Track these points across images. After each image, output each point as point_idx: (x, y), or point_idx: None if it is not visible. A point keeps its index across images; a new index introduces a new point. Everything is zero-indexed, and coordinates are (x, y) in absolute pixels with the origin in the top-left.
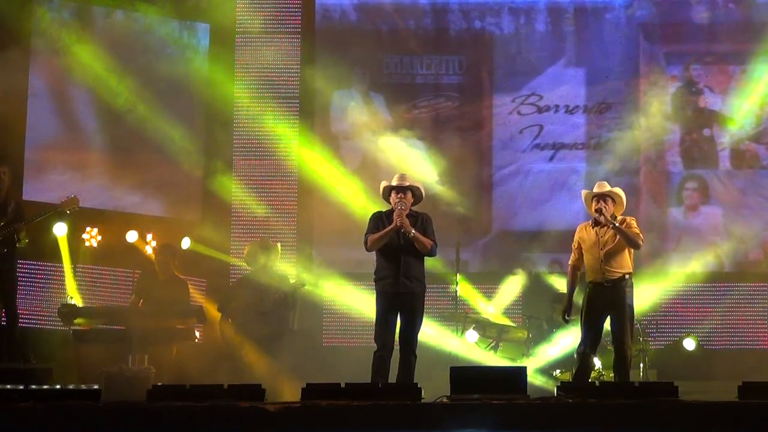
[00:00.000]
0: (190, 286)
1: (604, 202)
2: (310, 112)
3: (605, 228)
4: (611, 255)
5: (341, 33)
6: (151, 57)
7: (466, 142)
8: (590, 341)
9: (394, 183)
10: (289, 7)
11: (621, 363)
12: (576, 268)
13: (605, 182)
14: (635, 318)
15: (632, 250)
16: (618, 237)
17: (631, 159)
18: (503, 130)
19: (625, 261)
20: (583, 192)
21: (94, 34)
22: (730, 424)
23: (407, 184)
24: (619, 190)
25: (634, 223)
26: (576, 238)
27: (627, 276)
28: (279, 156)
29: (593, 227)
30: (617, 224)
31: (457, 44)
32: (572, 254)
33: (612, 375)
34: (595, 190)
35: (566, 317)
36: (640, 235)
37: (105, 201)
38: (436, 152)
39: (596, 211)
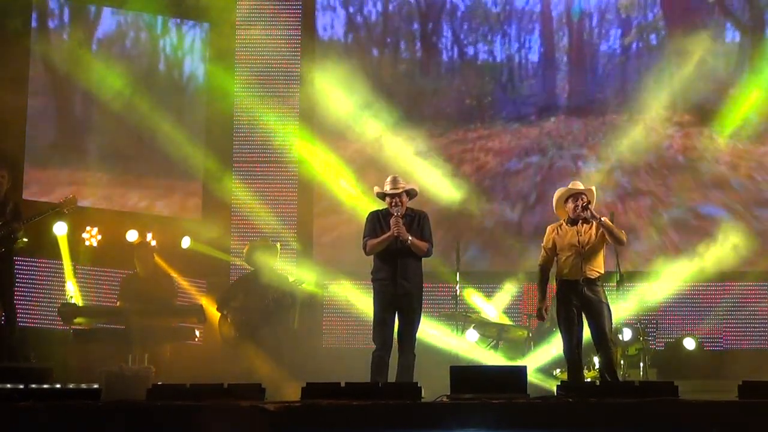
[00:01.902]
0: (189, 284)
1: (581, 200)
2: (310, 112)
3: (585, 227)
4: (592, 254)
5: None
6: (151, 56)
7: (466, 141)
8: (575, 339)
9: (387, 189)
10: (289, 7)
11: (608, 363)
12: (546, 268)
13: (578, 181)
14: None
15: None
16: (597, 236)
17: (632, 159)
18: (504, 126)
19: (602, 261)
20: (559, 190)
21: (93, 33)
22: (730, 424)
23: (400, 189)
24: (593, 188)
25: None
26: (550, 238)
27: (601, 275)
28: (279, 156)
29: (570, 226)
30: (602, 220)
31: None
32: (543, 254)
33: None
34: (570, 187)
35: (544, 315)
36: (623, 231)
37: (105, 200)
38: (437, 151)
39: (582, 208)
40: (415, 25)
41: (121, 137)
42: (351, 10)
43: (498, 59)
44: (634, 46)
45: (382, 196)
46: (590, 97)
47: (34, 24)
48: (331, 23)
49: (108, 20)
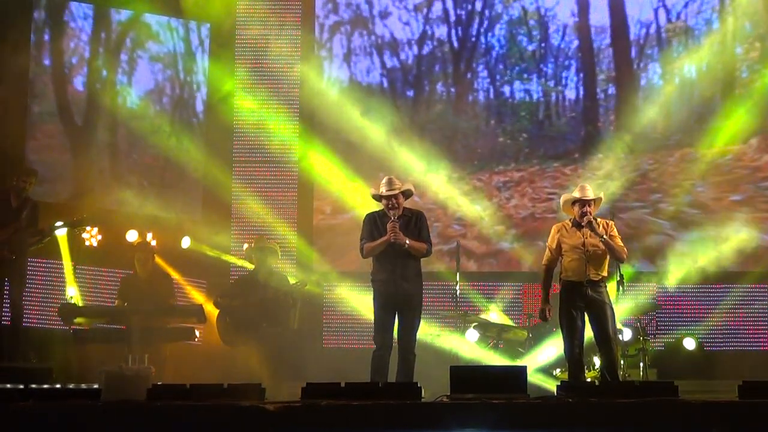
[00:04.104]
0: (189, 284)
1: (588, 206)
2: (310, 112)
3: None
4: (596, 257)
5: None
6: (151, 56)
7: (467, 144)
8: (577, 341)
9: (383, 191)
10: (289, 7)
11: (610, 364)
12: (551, 268)
13: (586, 186)
14: (617, 319)
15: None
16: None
17: (631, 164)
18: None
19: (606, 264)
20: (564, 196)
21: (93, 33)
22: (730, 424)
23: (396, 190)
24: (602, 196)
25: (615, 231)
26: (555, 238)
27: (605, 278)
28: (279, 156)
29: (576, 229)
30: (604, 239)
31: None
32: (548, 253)
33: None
34: (578, 194)
35: (547, 316)
36: (624, 248)
37: (105, 200)
38: (438, 153)
39: (586, 223)
40: (450, 67)
41: (122, 137)
42: (387, 54)
43: (535, 98)
44: (676, 80)
45: (378, 198)
46: (635, 131)
47: (34, 23)
48: (367, 68)
49: (109, 19)
